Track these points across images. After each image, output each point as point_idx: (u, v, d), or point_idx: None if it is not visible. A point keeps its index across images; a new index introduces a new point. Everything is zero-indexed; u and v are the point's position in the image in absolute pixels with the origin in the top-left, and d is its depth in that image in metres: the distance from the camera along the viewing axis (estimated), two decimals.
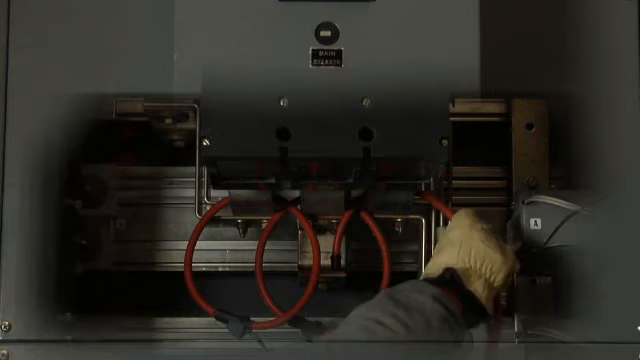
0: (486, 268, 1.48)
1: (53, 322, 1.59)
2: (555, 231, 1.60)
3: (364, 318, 1.38)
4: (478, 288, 1.47)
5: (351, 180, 1.50)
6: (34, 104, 1.59)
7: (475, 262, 1.48)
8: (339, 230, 1.66)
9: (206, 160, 1.46)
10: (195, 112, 1.67)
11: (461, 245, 1.49)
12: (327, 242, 1.71)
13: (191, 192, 1.73)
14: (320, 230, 1.71)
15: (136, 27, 1.60)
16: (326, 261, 1.70)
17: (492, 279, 1.48)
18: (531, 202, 1.64)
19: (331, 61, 1.43)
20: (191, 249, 1.67)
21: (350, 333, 1.37)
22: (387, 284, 1.63)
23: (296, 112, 1.42)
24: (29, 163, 1.58)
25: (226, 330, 1.66)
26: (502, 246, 1.51)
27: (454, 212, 1.57)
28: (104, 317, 1.74)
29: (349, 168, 1.47)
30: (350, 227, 1.67)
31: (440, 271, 1.48)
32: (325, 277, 1.73)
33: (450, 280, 1.46)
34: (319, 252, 1.67)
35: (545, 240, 1.61)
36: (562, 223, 1.60)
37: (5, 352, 1.55)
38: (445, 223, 1.74)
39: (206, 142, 1.42)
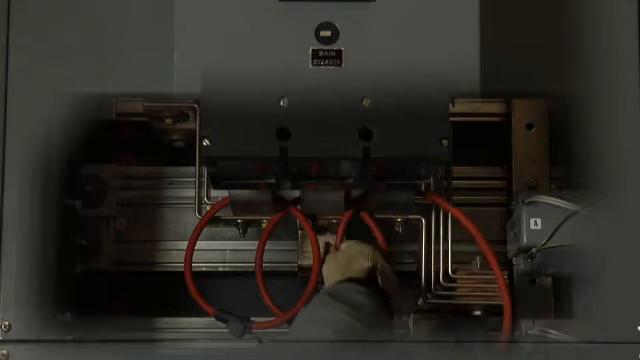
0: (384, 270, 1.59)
1: (53, 322, 1.59)
2: (555, 231, 1.60)
3: (320, 317, 1.46)
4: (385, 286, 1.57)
5: (351, 180, 1.50)
6: (34, 104, 1.59)
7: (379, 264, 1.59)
8: (340, 230, 1.66)
9: (206, 160, 1.46)
10: (195, 112, 1.67)
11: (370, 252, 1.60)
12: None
13: (191, 192, 1.73)
14: (320, 230, 1.71)
15: (136, 27, 1.60)
16: None
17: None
18: (531, 202, 1.64)
19: (331, 61, 1.43)
20: (191, 249, 1.67)
21: (309, 330, 1.46)
22: None
23: (296, 112, 1.42)
24: (29, 163, 1.58)
25: (226, 330, 1.66)
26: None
27: (457, 209, 1.60)
28: (104, 317, 1.74)
29: (349, 168, 1.47)
30: (350, 227, 1.67)
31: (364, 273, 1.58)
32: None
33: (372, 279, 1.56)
34: (319, 252, 1.67)
35: (545, 240, 1.61)
36: (562, 223, 1.60)
37: (5, 352, 1.55)
38: (445, 223, 1.74)
39: (206, 142, 1.42)
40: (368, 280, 1.56)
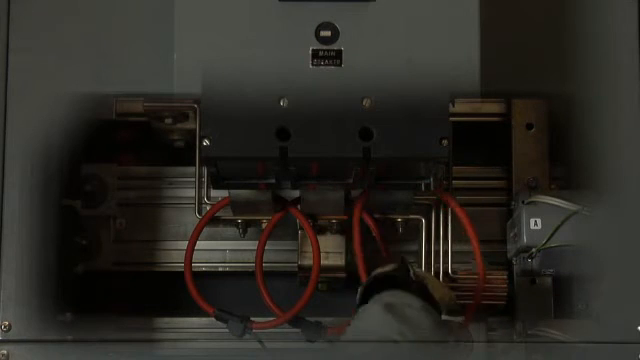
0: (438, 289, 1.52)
1: (53, 322, 1.59)
2: (555, 231, 1.60)
3: (377, 336, 1.42)
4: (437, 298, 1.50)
5: (351, 180, 1.50)
6: (34, 104, 1.59)
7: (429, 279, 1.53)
8: (356, 233, 1.65)
9: (206, 160, 1.46)
10: (195, 112, 1.67)
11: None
12: (327, 242, 1.72)
13: (191, 192, 1.73)
14: (320, 230, 1.71)
15: (136, 27, 1.60)
16: (326, 261, 1.70)
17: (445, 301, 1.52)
18: (531, 202, 1.64)
19: (331, 61, 1.43)
20: (191, 249, 1.67)
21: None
22: None
23: (296, 112, 1.42)
24: (29, 163, 1.58)
25: (226, 330, 1.66)
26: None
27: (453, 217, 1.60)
28: (104, 317, 1.74)
29: (349, 168, 1.47)
30: (350, 227, 1.67)
31: (395, 265, 1.52)
32: (325, 277, 1.73)
33: (414, 282, 1.50)
34: (319, 252, 1.67)
35: (545, 240, 1.61)
36: (562, 223, 1.60)
37: (5, 352, 1.55)
38: (445, 223, 1.74)
39: (206, 142, 1.42)
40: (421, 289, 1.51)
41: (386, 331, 1.43)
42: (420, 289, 1.50)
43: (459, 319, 1.49)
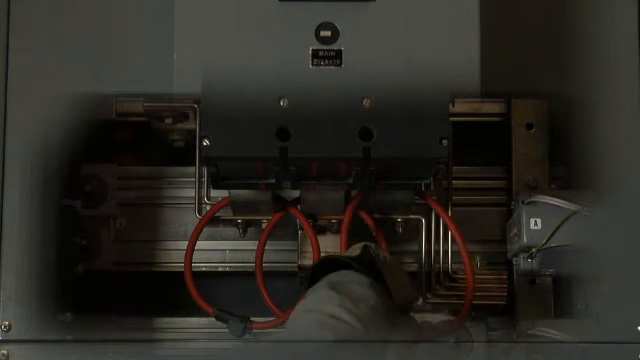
0: (394, 270, 1.53)
1: (53, 322, 1.59)
2: (555, 231, 1.60)
3: (319, 314, 1.41)
4: (388, 279, 1.50)
5: (351, 180, 1.50)
6: (34, 104, 1.59)
7: (389, 259, 1.53)
8: (343, 235, 1.66)
9: (206, 160, 1.46)
10: (195, 112, 1.67)
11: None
12: (327, 242, 1.72)
13: (191, 192, 1.73)
14: (320, 230, 1.71)
15: (136, 27, 1.60)
16: None
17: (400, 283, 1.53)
18: (531, 202, 1.64)
19: (331, 61, 1.43)
20: (191, 249, 1.67)
21: (307, 329, 1.41)
22: None
23: (296, 112, 1.42)
24: (29, 163, 1.58)
25: (226, 330, 1.66)
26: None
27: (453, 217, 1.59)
28: (104, 317, 1.74)
29: (349, 168, 1.47)
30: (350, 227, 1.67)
31: (358, 250, 1.52)
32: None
33: (370, 265, 1.50)
34: (319, 252, 1.67)
35: (545, 240, 1.61)
36: (562, 223, 1.60)
37: (5, 352, 1.55)
38: (445, 223, 1.74)
39: (206, 142, 1.42)
40: (370, 270, 1.52)
41: (326, 305, 1.42)
42: (380, 276, 1.51)
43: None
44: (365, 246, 1.52)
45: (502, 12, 1.61)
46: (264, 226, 1.71)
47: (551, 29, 1.64)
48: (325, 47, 1.43)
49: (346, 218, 1.65)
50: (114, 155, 1.86)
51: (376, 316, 1.44)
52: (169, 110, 1.72)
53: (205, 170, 1.68)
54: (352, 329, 1.40)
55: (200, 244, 1.69)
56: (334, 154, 1.43)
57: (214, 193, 1.71)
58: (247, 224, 1.74)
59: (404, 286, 1.53)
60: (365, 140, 1.42)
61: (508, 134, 1.79)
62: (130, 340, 1.71)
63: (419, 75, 1.43)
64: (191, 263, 1.66)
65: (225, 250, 1.84)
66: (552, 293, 1.76)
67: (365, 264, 1.51)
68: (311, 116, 1.42)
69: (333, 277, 1.50)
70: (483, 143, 1.83)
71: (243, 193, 1.61)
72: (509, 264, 1.76)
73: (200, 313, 1.70)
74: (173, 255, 1.83)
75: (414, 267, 1.79)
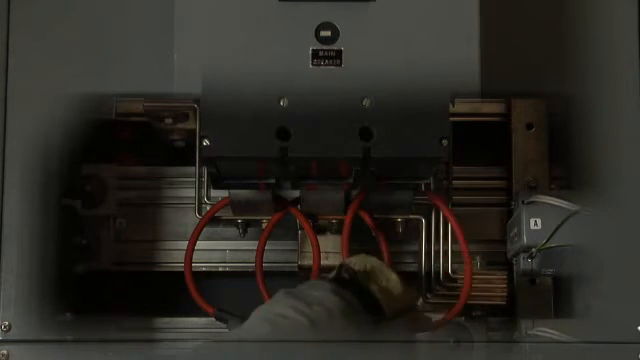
0: (381, 277, 1.52)
1: (53, 322, 1.59)
2: (555, 231, 1.60)
3: (266, 312, 1.43)
4: (374, 289, 1.50)
5: (351, 180, 1.50)
6: (34, 104, 1.59)
7: (372, 268, 1.52)
8: (345, 235, 1.65)
9: (206, 160, 1.46)
10: (195, 112, 1.67)
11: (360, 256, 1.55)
12: (327, 242, 1.72)
13: (191, 192, 1.73)
14: (320, 230, 1.71)
15: (136, 27, 1.60)
16: (326, 261, 1.70)
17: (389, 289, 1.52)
18: (531, 202, 1.64)
19: (331, 61, 1.43)
20: (191, 249, 1.67)
21: (253, 327, 1.42)
22: None
23: (296, 112, 1.42)
24: (29, 163, 1.58)
25: (226, 330, 1.66)
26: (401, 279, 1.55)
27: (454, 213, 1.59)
28: (104, 317, 1.74)
29: (349, 168, 1.47)
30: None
31: (335, 271, 1.53)
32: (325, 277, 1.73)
33: (348, 280, 1.51)
34: (319, 252, 1.67)
35: (545, 240, 1.61)
36: (562, 223, 1.59)
37: (5, 352, 1.55)
38: (445, 223, 1.74)
39: (206, 142, 1.42)
40: (351, 281, 1.52)
41: (275, 306, 1.44)
42: (361, 289, 1.51)
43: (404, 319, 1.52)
44: (340, 265, 1.54)
45: (502, 12, 1.61)
46: (264, 226, 1.71)
47: (551, 29, 1.64)
48: (325, 47, 1.43)
49: (347, 219, 1.65)
50: (114, 155, 1.86)
51: (333, 319, 1.44)
52: (169, 110, 1.72)
53: (205, 170, 1.68)
54: (295, 325, 1.40)
55: (200, 244, 1.69)
56: (334, 154, 1.43)
57: (214, 193, 1.71)
58: (247, 224, 1.74)
59: (395, 293, 1.53)
60: (365, 140, 1.42)
61: (508, 134, 1.79)
62: (130, 340, 1.71)
63: (419, 75, 1.43)
64: (191, 263, 1.66)
65: (225, 250, 1.84)
66: (552, 293, 1.76)
67: (345, 281, 1.51)
68: (311, 116, 1.42)
69: (298, 286, 1.52)
70: (483, 143, 1.83)
71: (243, 193, 1.61)
72: (509, 264, 1.76)
73: (200, 313, 1.70)
74: (173, 255, 1.83)
75: (414, 267, 1.79)
